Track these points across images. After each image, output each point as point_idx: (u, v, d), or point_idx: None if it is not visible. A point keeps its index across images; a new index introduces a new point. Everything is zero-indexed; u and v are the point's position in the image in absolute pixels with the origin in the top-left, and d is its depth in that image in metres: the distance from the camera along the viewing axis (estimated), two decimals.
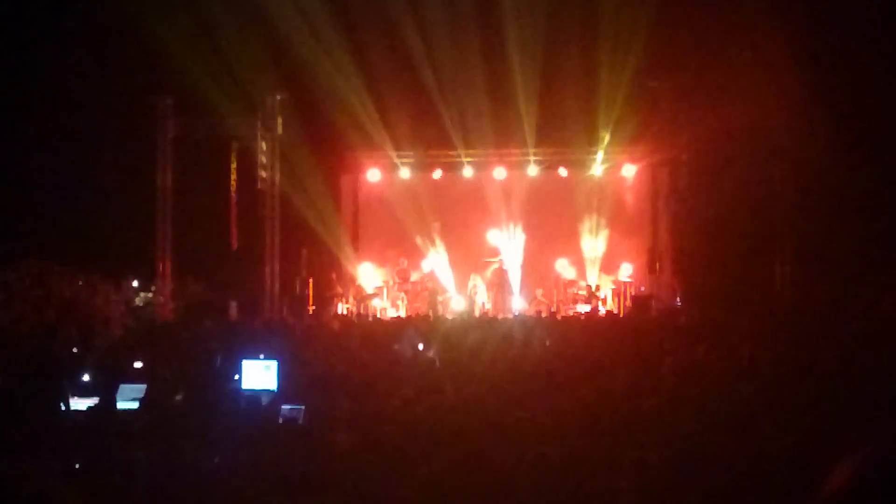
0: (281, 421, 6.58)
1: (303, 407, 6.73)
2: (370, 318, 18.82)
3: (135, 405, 7.22)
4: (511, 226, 21.48)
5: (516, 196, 21.47)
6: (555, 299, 20.67)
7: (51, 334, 10.17)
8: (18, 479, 2.18)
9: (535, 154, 20.93)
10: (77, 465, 5.08)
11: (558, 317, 18.11)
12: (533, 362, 8.06)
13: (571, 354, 8.69)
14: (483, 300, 20.50)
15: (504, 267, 20.80)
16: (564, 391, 6.40)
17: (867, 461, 1.50)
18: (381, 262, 21.74)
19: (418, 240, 21.18)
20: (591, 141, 20.42)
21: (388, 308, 20.73)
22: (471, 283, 20.58)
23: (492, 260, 21.09)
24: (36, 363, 8.24)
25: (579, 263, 21.32)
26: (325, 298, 20.08)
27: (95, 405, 7.14)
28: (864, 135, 14.55)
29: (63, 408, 7.88)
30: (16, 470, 2.21)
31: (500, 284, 20.56)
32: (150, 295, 18.90)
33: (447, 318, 17.69)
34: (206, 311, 16.83)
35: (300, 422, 6.48)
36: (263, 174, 19.36)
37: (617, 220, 21.26)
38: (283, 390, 7.96)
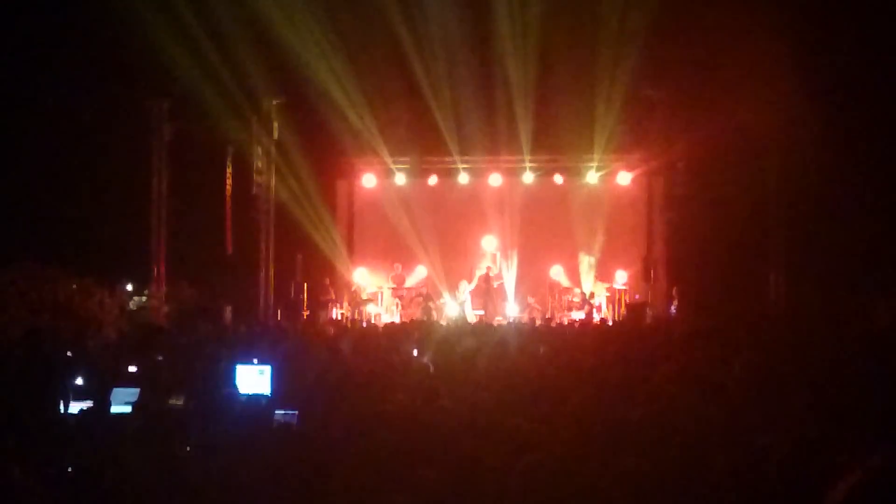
0: (274, 426, 6.56)
1: (297, 412, 6.72)
2: (365, 324, 18.81)
3: (128, 409, 7.19)
4: (506, 232, 21.51)
5: (511, 203, 21.51)
6: (549, 306, 20.69)
7: (45, 337, 10.12)
8: (8, 482, 2.18)
9: (530, 161, 20.98)
10: (69, 469, 5.06)
11: (552, 324, 18.10)
12: (526, 369, 8.04)
13: (565, 361, 8.67)
14: (469, 307, 20.54)
15: (499, 273, 20.82)
16: (558, 398, 6.39)
17: (864, 470, 1.50)
18: (375, 267, 21.76)
19: (413, 245, 21.20)
20: (587, 148, 20.47)
21: (383, 314, 20.74)
22: (459, 291, 20.64)
23: (487, 266, 21.11)
24: (30, 366, 8.22)
25: (574, 270, 21.36)
26: (320, 303, 20.10)
27: (89, 408, 7.12)
28: (858, 144, 14.60)
29: (62, 410, 7.88)
30: (7, 473, 2.20)
31: (494, 291, 20.58)
32: (145, 299, 18.85)
33: (441, 324, 17.69)
34: (201, 316, 16.78)
35: (294, 427, 6.46)
36: (259, 179, 19.36)
37: (612, 228, 21.31)
38: (277, 395, 7.93)
